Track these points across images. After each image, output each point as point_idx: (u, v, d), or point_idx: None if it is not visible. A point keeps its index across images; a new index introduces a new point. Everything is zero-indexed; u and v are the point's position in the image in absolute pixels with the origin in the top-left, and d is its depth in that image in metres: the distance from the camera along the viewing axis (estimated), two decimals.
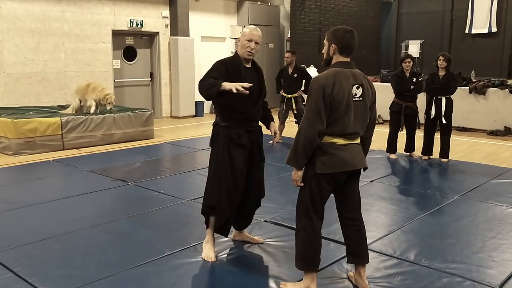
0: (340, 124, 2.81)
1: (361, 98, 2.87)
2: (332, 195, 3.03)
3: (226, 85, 3.12)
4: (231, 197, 3.39)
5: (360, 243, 3.03)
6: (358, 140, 2.94)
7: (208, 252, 3.49)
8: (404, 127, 6.94)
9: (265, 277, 3.24)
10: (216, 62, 3.42)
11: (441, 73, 6.57)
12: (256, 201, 3.66)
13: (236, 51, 3.47)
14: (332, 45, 2.90)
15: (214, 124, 3.50)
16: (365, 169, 2.98)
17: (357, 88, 2.85)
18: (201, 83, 3.28)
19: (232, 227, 3.66)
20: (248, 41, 3.33)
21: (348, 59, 2.92)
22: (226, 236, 3.61)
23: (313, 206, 2.91)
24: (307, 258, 2.95)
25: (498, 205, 4.77)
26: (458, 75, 8.09)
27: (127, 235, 3.96)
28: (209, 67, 3.39)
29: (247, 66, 3.43)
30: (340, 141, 2.84)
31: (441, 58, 6.54)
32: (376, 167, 6.35)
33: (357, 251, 3.03)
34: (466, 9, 12.79)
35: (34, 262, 3.43)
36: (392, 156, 6.97)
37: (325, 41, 2.98)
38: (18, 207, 4.67)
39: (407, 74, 6.78)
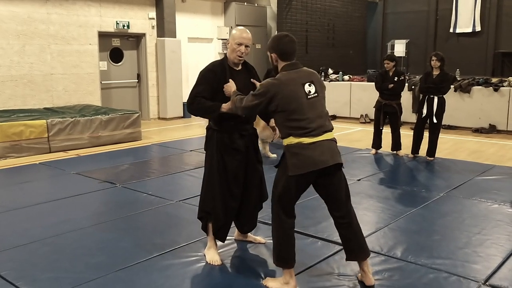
0: (301, 124, 2.86)
1: (316, 94, 2.94)
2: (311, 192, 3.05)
3: (225, 108, 3.23)
4: (225, 203, 3.36)
5: (355, 239, 3.04)
6: (328, 136, 2.93)
7: (212, 256, 3.46)
8: (385, 125, 7.07)
9: (252, 276, 3.25)
10: (204, 69, 3.36)
11: (435, 72, 6.62)
12: (258, 204, 3.62)
13: (226, 53, 3.40)
14: (272, 54, 3.00)
15: (207, 128, 3.47)
16: (341, 165, 2.97)
17: (309, 85, 2.93)
18: (195, 105, 3.29)
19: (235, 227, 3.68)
20: (238, 44, 3.26)
21: (292, 61, 2.98)
22: (223, 242, 3.57)
23: (282, 206, 2.95)
24: (282, 256, 3.00)
25: (483, 202, 4.84)
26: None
27: (115, 237, 3.95)
28: (196, 68, 3.36)
29: (237, 68, 3.39)
30: (306, 140, 2.86)
31: (433, 58, 6.58)
32: (362, 165, 6.40)
33: (354, 248, 3.04)
34: (451, 8, 12.96)
35: (21, 265, 3.40)
36: (372, 152, 7.17)
37: (267, 52, 3.07)
38: (5, 210, 4.63)
39: (390, 73, 6.90)
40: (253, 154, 3.46)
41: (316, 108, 2.92)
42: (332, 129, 2.99)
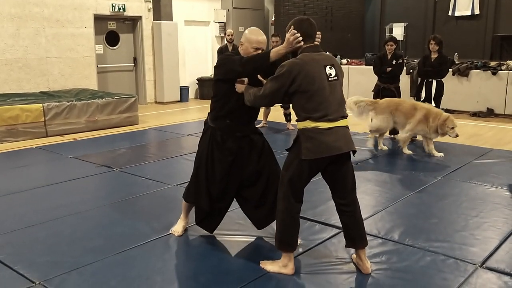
0: (321, 106, 2.82)
1: (336, 77, 2.91)
2: (319, 178, 3.04)
3: (239, 87, 3.11)
4: (212, 197, 3.33)
5: (356, 228, 3.03)
6: (343, 123, 2.91)
7: (176, 227, 3.63)
8: None
9: (251, 259, 3.25)
10: (224, 54, 3.26)
11: (433, 55, 6.57)
12: (262, 203, 3.39)
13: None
14: None
15: (205, 122, 3.42)
16: (354, 152, 2.96)
17: (330, 68, 2.88)
18: (248, 63, 2.99)
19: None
20: (256, 49, 3.12)
21: (313, 44, 2.92)
22: (211, 233, 3.57)
23: (292, 190, 2.92)
24: (285, 239, 3.00)
25: (481, 185, 4.85)
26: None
27: (112, 220, 3.94)
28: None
29: None
30: (323, 124, 2.82)
31: (432, 41, 6.54)
32: (361, 149, 6.39)
33: (355, 236, 3.04)
34: None
35: (19, 249, 3.40)
36: (370, 136, 7.12)
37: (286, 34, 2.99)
38: (2, 194, 4.61)
39: (389, 56, 6.87)
40: (251, 156, 3.33)
41: (336, 92, 2.89)
42: (347, 116, 2.96)
